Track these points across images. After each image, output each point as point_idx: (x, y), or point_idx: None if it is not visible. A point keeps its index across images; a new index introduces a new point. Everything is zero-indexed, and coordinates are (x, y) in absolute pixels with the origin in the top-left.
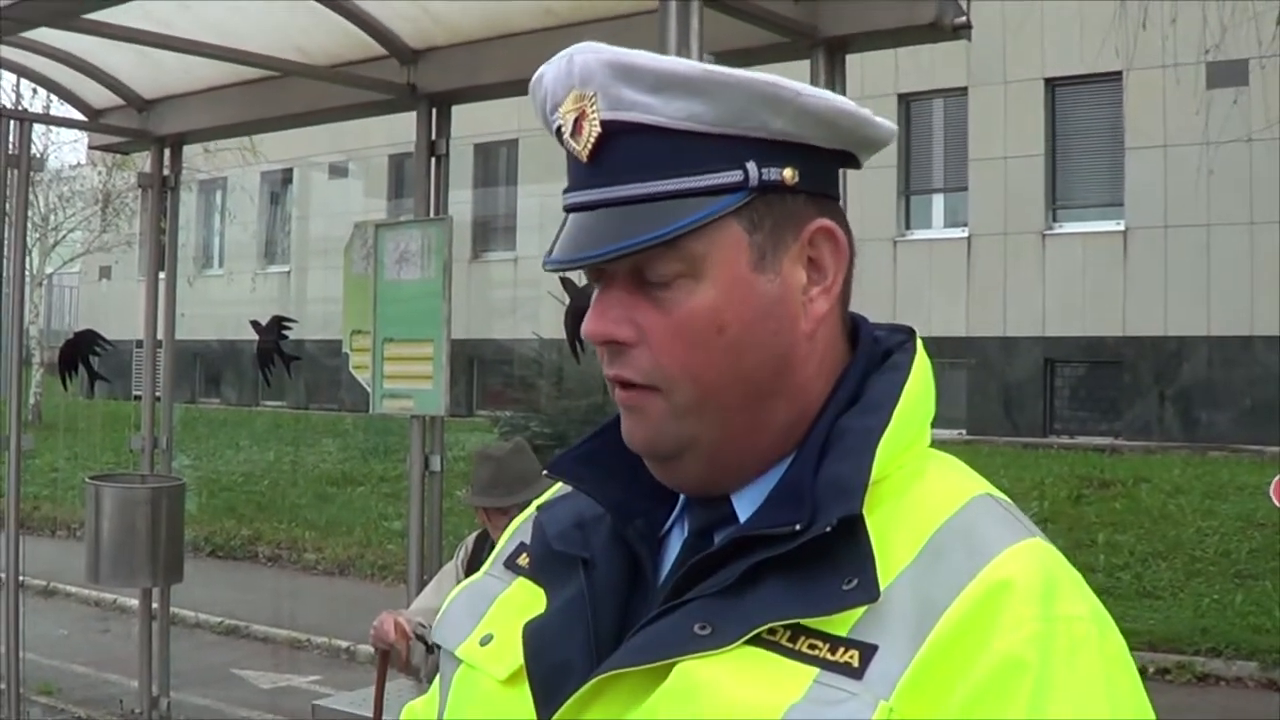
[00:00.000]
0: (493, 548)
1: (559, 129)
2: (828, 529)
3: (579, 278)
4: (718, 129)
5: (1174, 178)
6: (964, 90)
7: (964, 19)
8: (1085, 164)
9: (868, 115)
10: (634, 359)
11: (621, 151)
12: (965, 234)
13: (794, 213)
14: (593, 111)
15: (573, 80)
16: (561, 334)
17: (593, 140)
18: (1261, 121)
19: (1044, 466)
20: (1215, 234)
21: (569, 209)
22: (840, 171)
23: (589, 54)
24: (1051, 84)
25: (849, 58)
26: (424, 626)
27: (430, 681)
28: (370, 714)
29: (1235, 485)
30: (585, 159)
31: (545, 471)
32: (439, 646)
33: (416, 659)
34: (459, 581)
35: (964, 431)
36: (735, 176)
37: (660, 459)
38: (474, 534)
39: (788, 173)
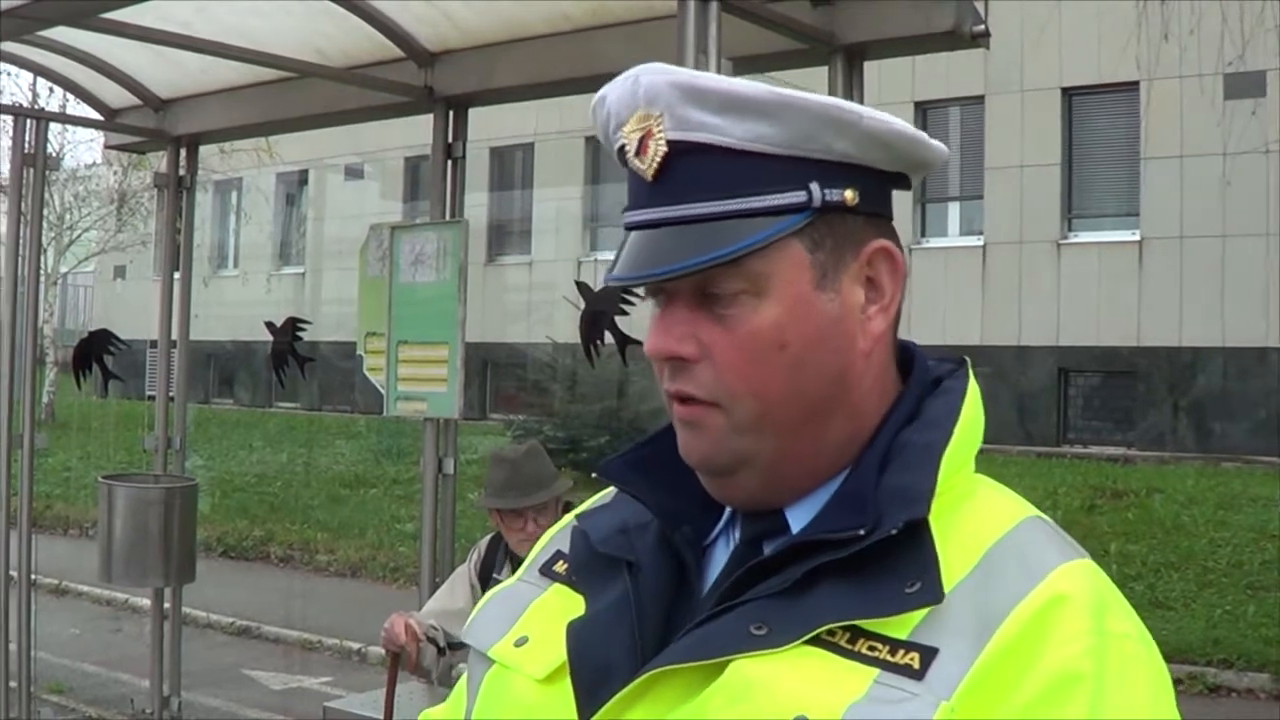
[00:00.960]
0: (506, 550)
1: (622, 148)
2: (893, 532)
3: (595, 281)
4: (783, 150)
5: (1190, 188)
6: (981, 99)
7: (982, 27)
8: (1101, 174)
9: (924, 138)
10: (696, 375)
11: (686, 171)
12: (980, 242)
13: (854, 233)
14: (659, 131)
15: (638, 101)
16: (576, 338)
17: (659, 160)
18: (1278, 133)
19: (1057, 476)
20: (1231, 245)
21: (631, 227)
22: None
23: (655, 75)
24: (1068, 93)
25: (867, 66)
26: (435, 629)
27: (442, 683)
28: (381, 716)
29: (1248, 496)
30: (650, 178)
31: (595, 475)
32: (455, 647)
33: (428, 661)
34: (471, 585)
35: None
36: (799, 197)
37: (717, 474)
38: (486, 537)
39: (849, 194)
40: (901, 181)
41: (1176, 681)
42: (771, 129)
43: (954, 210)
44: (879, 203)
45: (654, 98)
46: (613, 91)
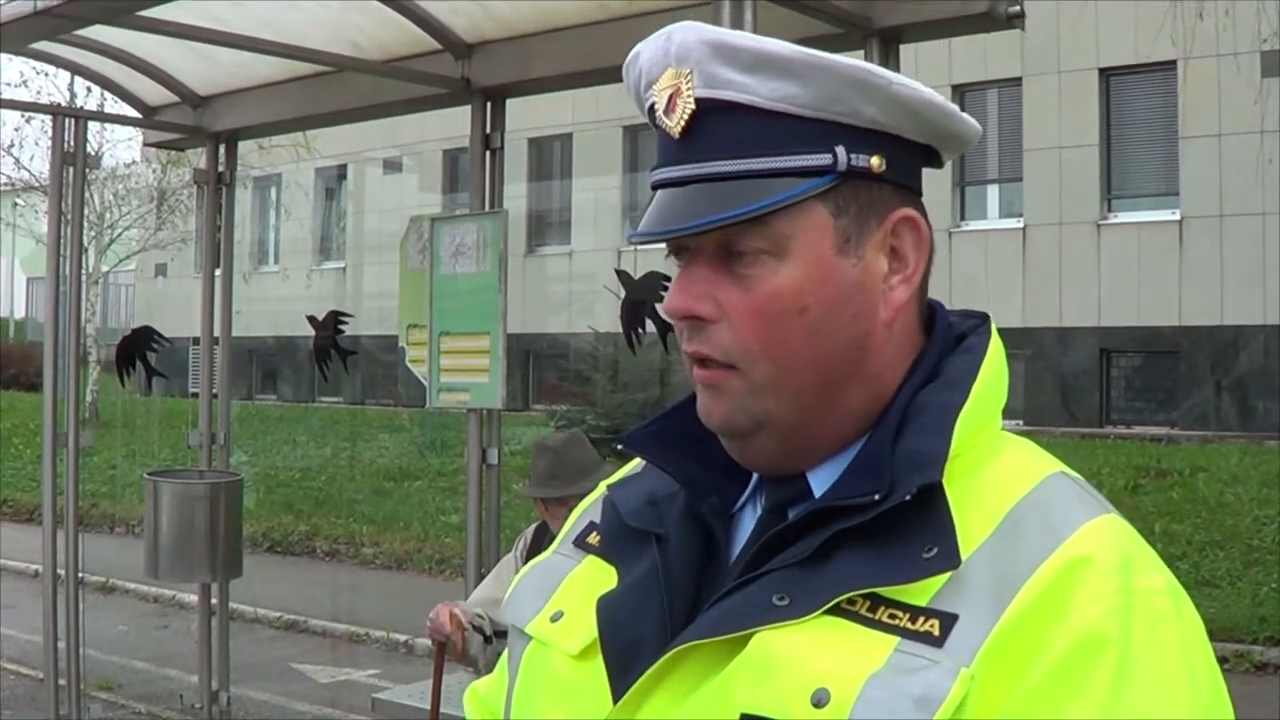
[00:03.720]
0: (552, 539)
1: (652, 107)
2: (907, 497)
3: (635, 271)
4: (810, 112)
5: (1229, 167)
6: (1018, 81)
7: (1017, 8)
8: (1140, 153)
9: (955, 110)
10: (713, 336)
11: (713, 129)
12: (1020, 224)
13: (879, 201)
14: (688, 89)
15: (669, 58)
16: (617, 327)
17: (686, 117)
18: None
19: (1101, 457)
20: (1271, 223)
21: (658, 185)
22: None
23: (687, 32)
24: (1106, 74)
25: (903, 49)
26: (481, 617)
27: (488, 672)
28: (429, 706)
29: None
30: (677, 135)
31: (620, 445)
32: (500, 631)
33: (474, 650)
34: (517, 573)
35: (1021, 422)
36: (824, 159)
37: (736, 437)
38: (532, 526)
39: (875, 161)
40: (933, 159)
41: (1222, 660)
42: (799, 89)
43: (993, 192)
44: (907, 174)
45: (685, 55)
46: (645, 49)
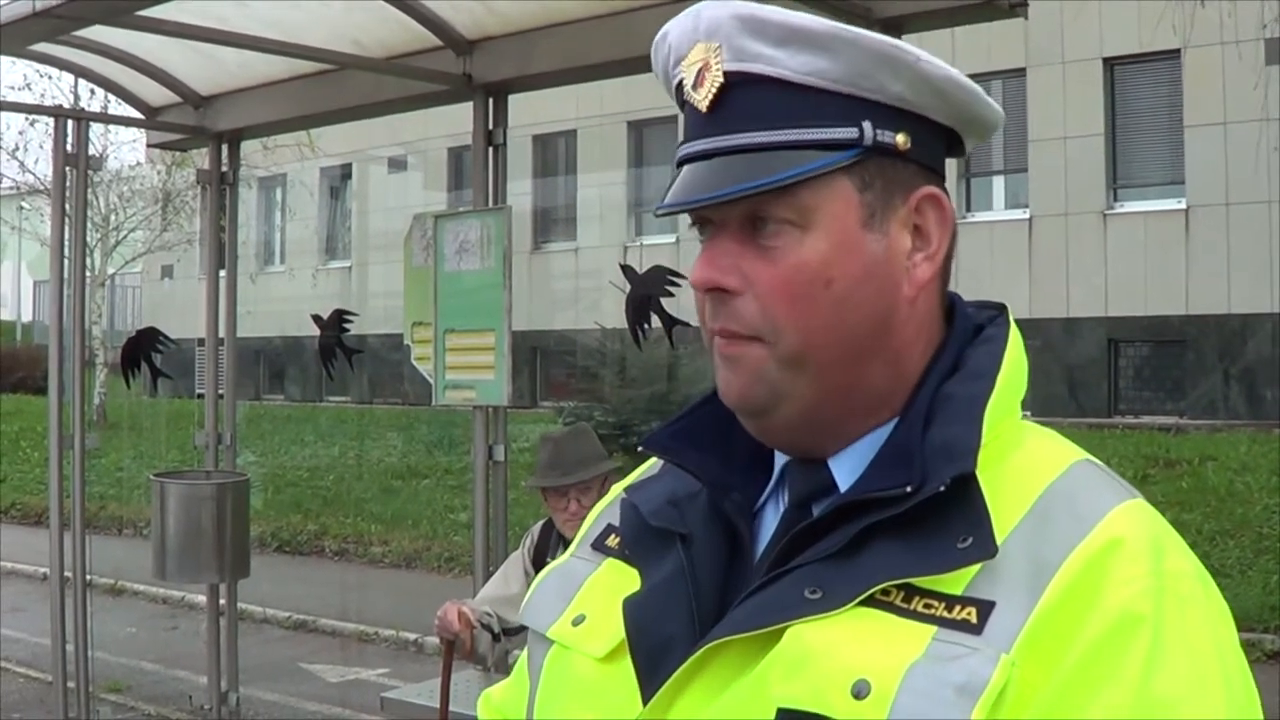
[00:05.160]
0: (558, 536)
1: (680, 83)
2: (941, 488)
3: (641, 266)
4: (838, 86)
5: (1234, 155)
6: (1022, 71)
7: None
8: (1145, 143)
9: (980, 93)
10: (738, 309)
11: (741, 103)
12: (1026, 215)
13: (903, 178)
14: (716, 63)
15: (699, 33)
16: (623, 323)
17: (714, 90)
18: None
19: (1109, 447)
20: (1276, 210)
21: (684, 160)
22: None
23: (717, 8)
24: (1110, 63)
25: (906, 39)
26: (490, 615)
27: (498, 670)
28: (438, 705)
29: None
30: (705, 109)
31: (640, 447)
32: (511, 634)
33: (483, 648)
34: (525, 571)
35: (1029, 413)
36: (851, 133)
37: (755, 413)
38: (540, 523)
39: (900, 138)
40: (956, 146)
41: None
42: (828, 63)
43: (999, 184)
44: (931, 156)
45: (714, 29)
46: (675, 26)
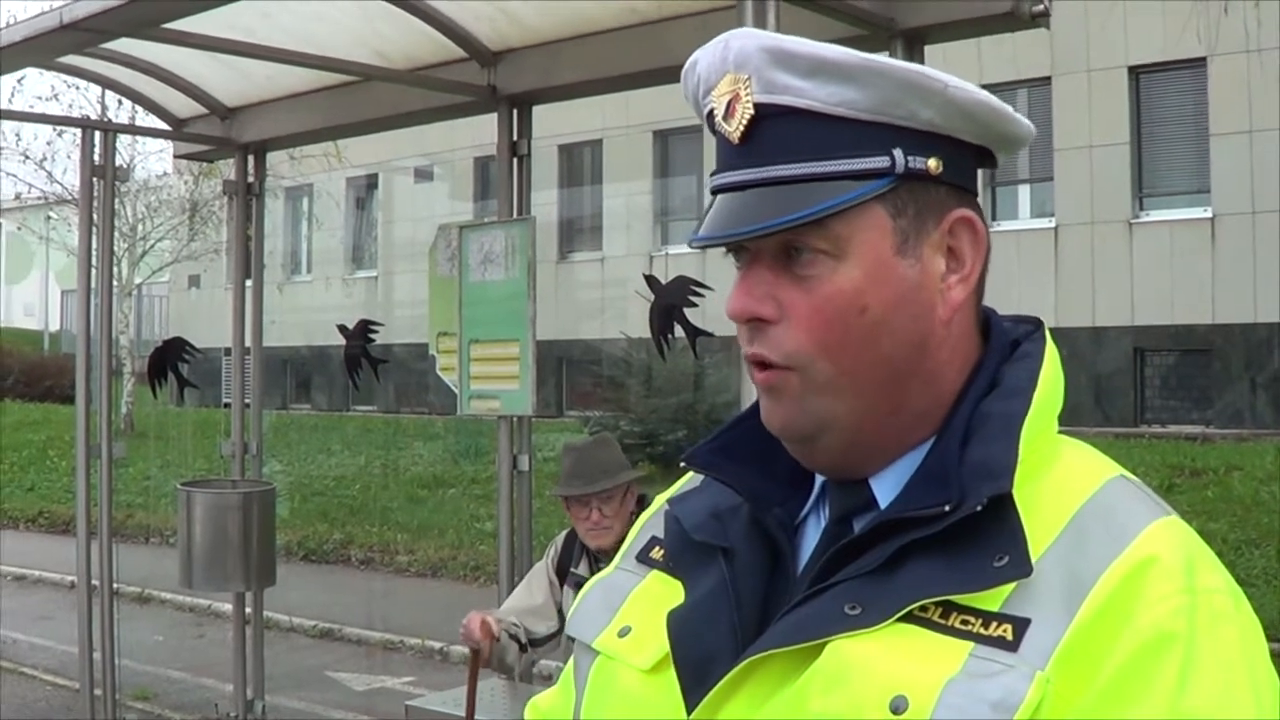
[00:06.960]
0: (582, 546)
1: (710, 112)
2: (978, 508)
3: (666, 276)
4: (868, 115)
5: (1260, 163)
6: (1047, 80)
7: (1041, 7)
8: (1171, 151)
9: (1010, 111)
10: (774, 338)
11: (772, 134)
12: (1052, 224)
13: (936, 202)
14: (746, 95)
15: (728, 65)
16: (649, 333)
17: (745, 122)
18: None
19: (1136, 456)
20: None
21: (718, 190)
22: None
23: (745, 39)
24: (1135, 72)
25: (932, 49)
26: (516, 625)
27: (524, 680)
28: (464, 714)
29: None
30: (736, 141)
31: (681, 463)
32: (537, 644)
33: (510, 658)
34: (549, 581)
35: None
36: (882, 162)
37: (798, 440)
38: (564, 532)
39: (932, 163)
40: (987, 159)
41: None
42: (857, 93)
43: (1024, 192)
44: (963, 175)
45: (743, 61)
46: (704, 56)
